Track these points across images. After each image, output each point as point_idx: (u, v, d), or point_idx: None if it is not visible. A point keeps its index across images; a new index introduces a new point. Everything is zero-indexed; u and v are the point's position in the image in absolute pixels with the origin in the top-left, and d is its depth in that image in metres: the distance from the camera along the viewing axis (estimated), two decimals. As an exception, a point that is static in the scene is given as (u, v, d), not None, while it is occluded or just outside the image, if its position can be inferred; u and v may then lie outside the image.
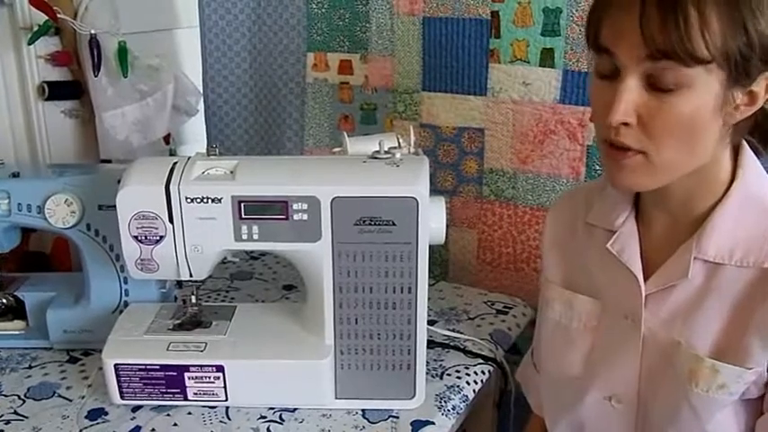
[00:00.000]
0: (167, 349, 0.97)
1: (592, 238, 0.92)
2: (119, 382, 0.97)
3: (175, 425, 0.96)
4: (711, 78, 0.71)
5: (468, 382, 1.06)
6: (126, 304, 1.10)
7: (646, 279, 0.84)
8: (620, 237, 0.87)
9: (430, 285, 0.96)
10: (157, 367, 0.96)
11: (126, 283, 1.10)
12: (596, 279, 0.90)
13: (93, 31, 1.33)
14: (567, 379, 0.92)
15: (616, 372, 0.87)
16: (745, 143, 0.81)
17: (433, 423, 0.97)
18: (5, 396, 1.02)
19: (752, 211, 0.79)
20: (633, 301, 0.85)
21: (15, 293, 1.15)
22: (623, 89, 0.73)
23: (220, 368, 0.96)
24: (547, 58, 1.25)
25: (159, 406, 0.99)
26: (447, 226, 0.94)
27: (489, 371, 1.10)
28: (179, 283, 1.17)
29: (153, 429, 0.95)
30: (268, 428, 0.95)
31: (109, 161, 1.44)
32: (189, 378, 0.96)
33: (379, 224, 0.90)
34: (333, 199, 0.90)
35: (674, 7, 0.68)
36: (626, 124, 0.74)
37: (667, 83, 0.71)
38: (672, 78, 0.71)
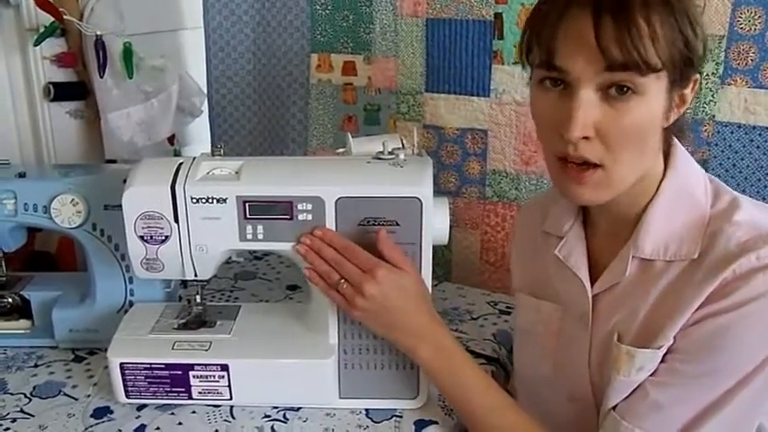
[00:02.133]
0: (172, 348, 0.98)
1: (547, 245, 0.95)
2: (124, 380, 0.97)
3: (180, 423, 0.96)
4: (660, 85, 0.74)
5: (471, 382, 1.06)
6: (131, 304, 1.11)
7: (594, 280, 0.87)
8: (567, 242, 0.91)
9: (433, 286, 0.96)
10: (162, 366, 0.97)
11: (131, 282, 1.11)
12: (555, 284, 0.93)
13: (98, 33, 1.34)
14: (539, 384, 0.95)
15: (574, 372, 0.90)
16: (675, 139, 0.84)
17: (437, 423, 0.97)
18: (12, 394, 1.02)
19: (682, 206, 0.82)
20: (583, 303, 0.88)
21: (21, 293, 1.15)
22: (580, 103, 0.74)
23: (225, 367, 0.96)
24: (550, 60, 1.26)
25: (164, 405, 0.99)
26: (450, 227, 0.95)
27: (492, 371, 1.11)
28: (184, 283, 1.17)
29: (158, 428, 0.95)
30: (272, 427, 0.95)
31: (114, 161, 1.44)
32: (193, 377, 0.97)
33: (383, 224, 0.91)
34: (337, 199, 0.90)
35: (626, 22, 0.71)
36: (586, 138, 0.75)
37: (620, 94, 0.73)
38: (624, 89, 0.73)
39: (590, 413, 0.89)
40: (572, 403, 0.91)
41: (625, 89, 0.73)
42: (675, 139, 0.84)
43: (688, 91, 0.79)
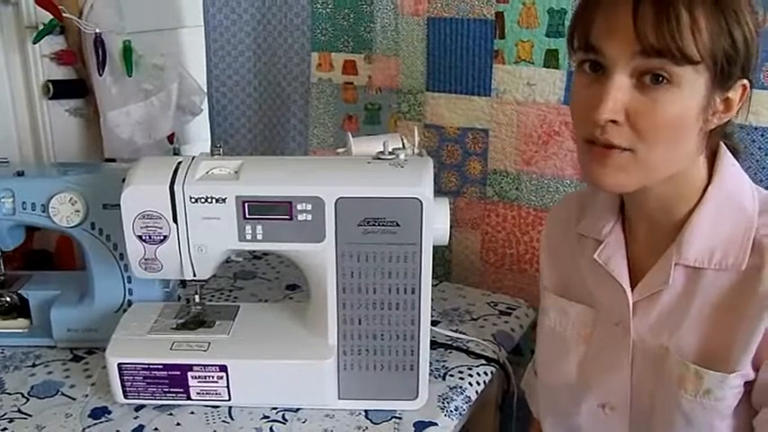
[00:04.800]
0: (171, 348, 0.98)
1: (582, 247, 0.93)
2: (122, 380, 0.97)
3: (178, 424, 0.96)
4: (698, 79, 0.72)
5: (470, 383, 1.06)
6: (129, 303, 1.11)
7: (633, 286, 0.85)
8: (607, 246, 0.88)
9: (433, 286, 0.96)
10: (161, 366, 0.96)
11: (130, 282, 1.10)
12: (588, 287, 0.91)
13: (98, 30, 1.33)
14: (563, 386, 0.93)
15: (608, 379, 0.88)
16: (723, 146, 0.82)
17: (436, 424, 0.97)
18: (9, 394, 1.02)
19: (729, 213, 0.80)
20: (622, 309, 0.86)
21: (19, 292, 1.15)
22: (612, 86, 0.73)
23: (223, 368, 0.96)
24: (551, 59, 1.25)
25: (162, 405, 0.99)
26: (451, 227, 0.94)
27: (492, 372, 1.10)
28: (182, 283, 1.17)
29: (156, 429, 0.95)
30: (271, 428, 0.95)
31: (113, 160, 1.44)
32: (192, 377, 0.96)
33: (383, 225, 0.90)
34: (337, 199, 0.90)
35: (666, 7, 0.69)
36: (614, 122, 0.74)
37: (655, 83, 0.72)
38: (659, 79, 0.72)
39: (621, 422, 0.87)
40: (600, 410, 0.89)
41: (660, 78, 0.71)
42: (723, 147, 0.82)
43: (734, 96, 0.75)
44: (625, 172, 0.76)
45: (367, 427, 0.96)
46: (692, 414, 0.80)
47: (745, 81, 0.75)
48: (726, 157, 0.82)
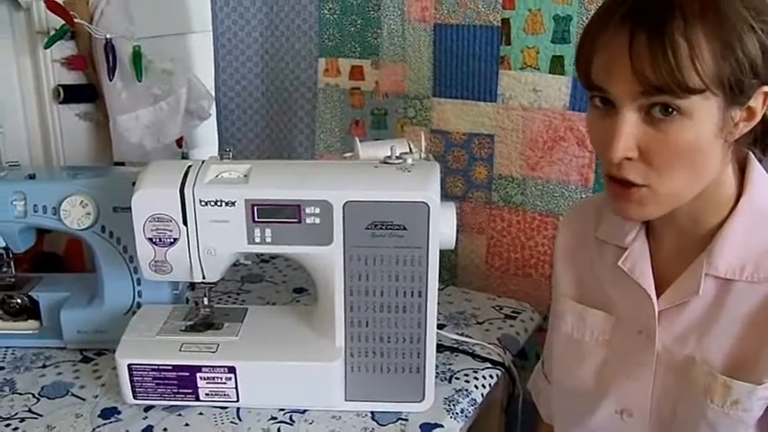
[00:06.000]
0: (180, 350, 0.99)
1: (602, 253, 0.91)
2: (132, 381, 0.98)
3: (187, 425, 0.97)
4: (709, 104, 0.70)
5: (476, 386, 1.07)
6: (139, 305, 1.12)
7: (658, 295, 0.84)
8: (632, 254, 0.87)
9: (439, 290, 0.97)
10: (170, 368, 0.97)
11: (139, 284, 1.11)
12: (609, 294, 0.90)
13: (108, 36, 1.34)
14: (579, 391, 0.92)
15: (628, 386, 0.87)
16: (752, 156, 0.81)
17: (442, 426, 0.97)
18: (20, 394, 1.03)
19: (761, 225, 0.79)
20: (646, 318, 0.84)
21: (30, 293, 1.16)
22: (621, 124, 0.72)
23: (232, 369, 0.97)
24: (557, 65, 1.26)
25: (171, 406, 1.00)
26: (457, 231, 0.95)
27: (497, 375, 1.11)
28: (191, 285, 1.18)
29: (165, 429, 0.96)
30: (279, 429, 0.96)
31: (122, 164, 1.45)
32: (201, 379, 0.97)
33: (391, 228, 0.91)
34: (345, 203, 0.91)
35: (662, 41, 0.67)
36: (628, 159, 0.74)
37: (664, 115, 0.71)
38: (669, 110, 0.70)
39: (639, 428, 0.87)
40: (617, 416, 0.88)
41: (669, 109, 0.70)
42: (752, 157, 0.81)
43: (756, 104, 0.73)
44: (646, 205, 0.77)
45: (373, 429, 0.97)
46: (717, 424, 0.80)
47: (767, 88, 0.72)
48: (755, 168, 0.81)
